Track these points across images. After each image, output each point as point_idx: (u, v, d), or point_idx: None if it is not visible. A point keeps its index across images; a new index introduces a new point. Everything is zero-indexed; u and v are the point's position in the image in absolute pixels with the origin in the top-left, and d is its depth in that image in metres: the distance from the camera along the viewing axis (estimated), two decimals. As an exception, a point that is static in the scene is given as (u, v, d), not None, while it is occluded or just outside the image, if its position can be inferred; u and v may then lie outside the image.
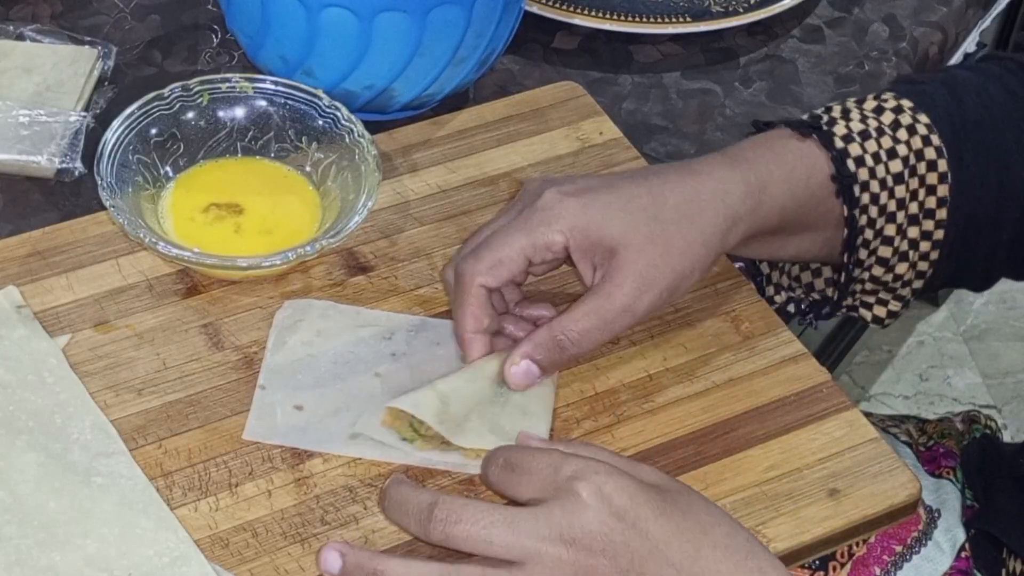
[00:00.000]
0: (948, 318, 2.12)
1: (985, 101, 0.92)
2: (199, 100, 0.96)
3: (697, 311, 0.92)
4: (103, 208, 0.92)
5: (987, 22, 1.32)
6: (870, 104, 0.91)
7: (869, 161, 0.88)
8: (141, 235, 0.88)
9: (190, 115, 0.96)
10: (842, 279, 0.91)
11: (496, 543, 0.74)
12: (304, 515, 0.81)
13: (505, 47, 1.04)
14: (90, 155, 0.94)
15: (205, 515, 0.81)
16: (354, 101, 1.00)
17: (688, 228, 0.84)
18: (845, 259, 0.90)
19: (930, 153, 0.89)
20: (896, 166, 0.88)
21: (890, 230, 0.89)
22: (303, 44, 0.98)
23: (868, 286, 0.92)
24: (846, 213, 0.88)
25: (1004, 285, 2.27)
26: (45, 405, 0.84)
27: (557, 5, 1.13)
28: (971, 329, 2.11)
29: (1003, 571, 0.97)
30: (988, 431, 1.07)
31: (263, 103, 0.97)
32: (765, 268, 0.96)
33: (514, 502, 0.78)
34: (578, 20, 1.13)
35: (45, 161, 0.99)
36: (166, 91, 0.96)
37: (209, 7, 1.14)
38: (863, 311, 0.94)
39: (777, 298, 0.96)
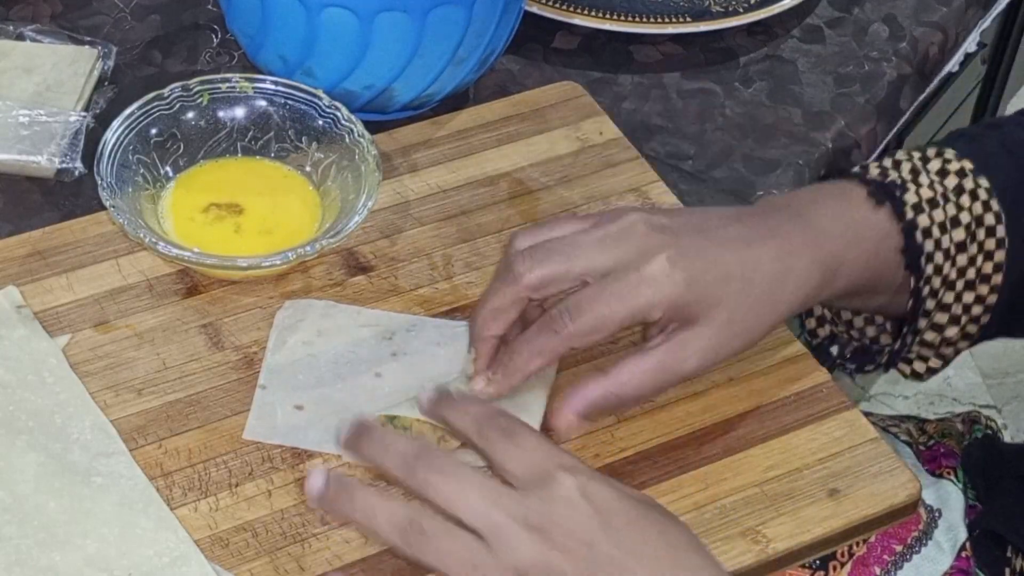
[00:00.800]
0: (948, 318, 2.12)
1: None
2: (199, 100, 0.96)
3: (697, 311, 0.92)
4: (103, 208, 0.92)
5: (987, 22, 1.32)
6: (934, 164, 0.90)
7: (936, 232, 0.88)
8: (141, 235, 0.88)
9: (190, 115, 0.96)
10: (897, 346, 0.91)
11: (469, 506, 0.74)
12: (304, 515, 0.81)
13: (505, 47, 1.04)
14: (90, 155, 0.94)
15: (205, 515, 0.81)
16: (354, 101, 1.00)
17: (767, 311, 0.83)
18: (905, 330, 0.90)
19: (989, 219, 0.89)
20: (959, 234, 0.88)
21: (948, 298, 0.89)
22: (303, 44, 0.98)
23: (915, 348, 0.92)
24: (912, 285, 0.88)
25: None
26: (45, 405, 0.84)
27: (557, 5, 1.13)
28: (971, 329, 2.11)
29: (1007, 569, 0.97)
30: (989, 431, 1.07)
31: (263, 103, 0.97)
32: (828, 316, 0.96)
33: (492, 469, 0.77)
34: (578, 20, 1.13)
35: (45, 161, 0.99)
36: (166, 91, 0.96)
37: (209, 7, 1.14)
38: (902, 366, 0.93)
39: (820, 331, 0.95)
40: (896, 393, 2.03)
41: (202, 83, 0.96)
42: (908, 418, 1.10)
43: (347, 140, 0.95)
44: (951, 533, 0.98)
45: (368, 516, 0.76)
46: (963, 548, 0.98)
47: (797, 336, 0.92)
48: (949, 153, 0.91)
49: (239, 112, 0.97)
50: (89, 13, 1.13)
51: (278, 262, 0.89)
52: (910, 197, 0.88)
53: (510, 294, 0.83)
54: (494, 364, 0.83)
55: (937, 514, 0.99)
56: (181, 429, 0.84)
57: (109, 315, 0.90)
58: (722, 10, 1.15)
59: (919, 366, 0.93)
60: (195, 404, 0.86)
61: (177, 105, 0.96)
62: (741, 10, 1.15)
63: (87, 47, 1.07)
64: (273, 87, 0.97)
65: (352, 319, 0.89)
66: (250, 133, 0.97)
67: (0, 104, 1.02)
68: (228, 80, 0.97)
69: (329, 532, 0.80)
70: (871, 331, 0.95)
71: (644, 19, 1.13)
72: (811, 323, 0.96)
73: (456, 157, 1.01)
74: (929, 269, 0.88)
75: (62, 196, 0.99)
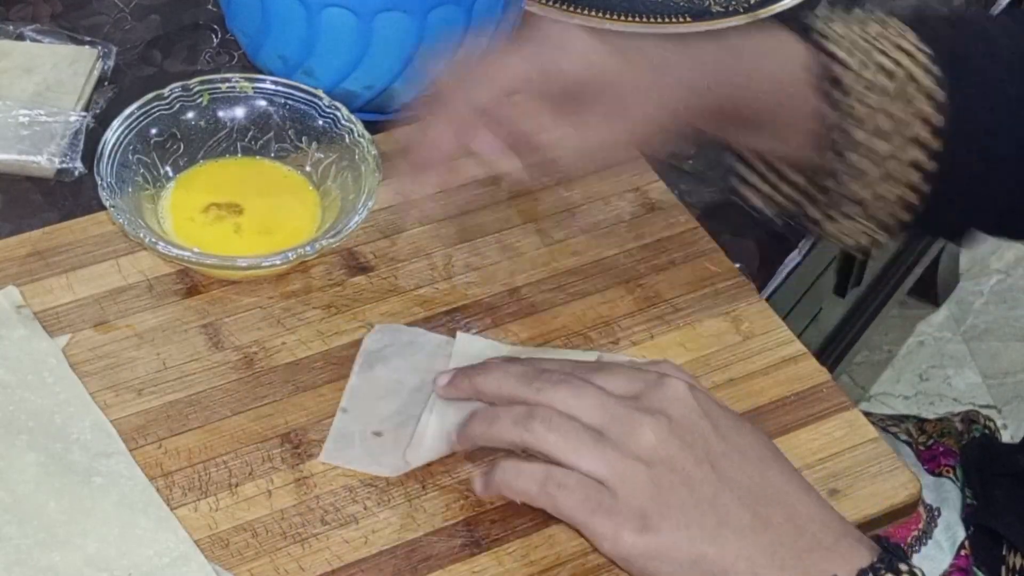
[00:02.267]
0: (948, 318, 2.12)
1: (986, 40, 0.91)
2: (199, 100, 0.96)
3: (697, 311, 0.92)
4: (103, 208, 0.92)
5: (987, 22, 1.32)
6: (873, 28, 0.89)
7: (855, 65, 0.87)
8: (141, 235, 0.88)
9: (190, 115, 0.96)
10: (811, 182, 0.90)
11: (589, 404, 0.78)
12: (304, 515, 0.81)
13: (505, 47, 1.04)
14: (90, 155, 0.94)
15: (205, 515, 0.81)
16: (354, 101, 1.00)
17: (658, 94, 0.84)
18: (819, 160, 0.89)
19: (928, 82, 0.87)
20: (883, 80, 0.87)
21: (878, 145, 0.88)
22: (303, 44, 0.98)
23: (843, 197, 0.90)
24: (826, 114, 0.87)
25: (1004, 284, 2.26)
26: (45, 405, 0.84)
27: (557, 5, 1.13)
28: (971, 329, 2.11)
29: (1003, 567, 0.97)
30: (987, 431, 1.07)
31: (263, 103, 0.97)
32: (743, 170, 0.95)
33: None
34: (578, 20, 1.13)
35: (45, 161, 1.00)
36: (166, 91, 0.96)
37: (209, 7, 1.14)
38: (845, 238, 0.92)
39: (762, 191, 0.94)
40: (896, 393, 2.04)
41: (202, 83, 0.96)
42: (908, 417, 1.10)
43: (347, 140, 0.95)
44: (950, 532, 0.99)
45: (488, 426, 0.80)
46: (962, 547, 0.98)
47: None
48: (892, 20, 0.90)
49: (239, 112, 0.97)
50: (89, 13, 1.13)
51: (278, 262, 0.89)
52: (832, 34, 0.88)
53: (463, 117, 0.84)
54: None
55: (936, 513, 0.99)
56: (181, 429, 0.84)
57: (109, 315, 0.90)
58: (722, 10, 1.15)
59: (863, 238, 0.92)
60: (195, 404, 0.86)
61: (177, 105, 0.96)
62: (741, 10, 1.15)
63: (87, 47, 1.07)
64: (273, 87, 0.97)
65: (440, 348, 0.89)
66: (250, 133, 0.97)
67: (0, 104, 1.02)
68: (228, 80, 0.97)
69: (329, 532, 0.80)
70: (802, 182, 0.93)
71: (644, 19, 1.13)
72: (746, 188, 0.94)
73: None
74: (847, 105, 0.87)
75: (62, 196, 0.99)
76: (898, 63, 0.88)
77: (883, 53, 0.88)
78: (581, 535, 0.78)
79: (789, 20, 0.89)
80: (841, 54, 0.87)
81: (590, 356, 0.87)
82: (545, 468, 0.77)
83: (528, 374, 0.80)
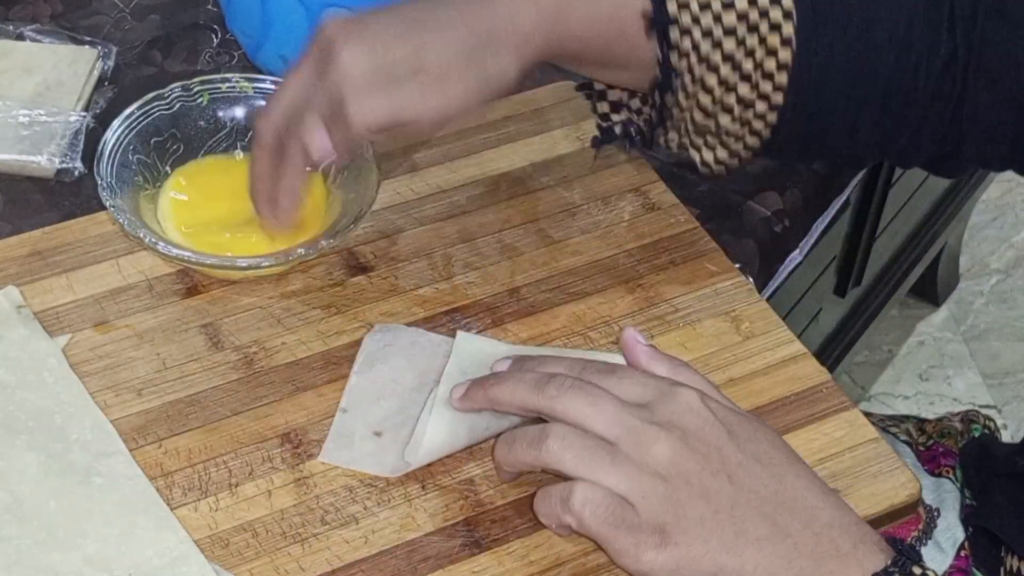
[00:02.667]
0: (948, 318, 2.12)
1: None
2: (199, 100, 0.96)
3: (697, 311, 0.92)
4: (103, 208, 0.92)
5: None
6: None
7: (695, 8, 0.86)
8: (141, 235, 0.88)
9: (190, 115, 0.96)
10: (653, 115, 0.90)
11: (603, 415, 0.77)
12: (304, 515, 0.81)
13: (505, 47, 1.04)
14: (90, 155, 0.94)
15: (205, 515, 0.81)
16: (354, 101, 1.00)
17: (480, 62, 0.83)
18: (656, 98, 0.89)
19: (776, 14, 0.87)
20: (730, 18, 0.86)
21: (711, 80, 0.87)
22: (303, 44, 0.98)
23: (691, 127, 0.90)
24: (660, 56, 0.87)
25: (1004, 285, 2.27)
26: (45, 405, 0.84)
27: (557, 5, 1.13)
28: (971, 329, 2.11)
29: (1001, 569, 0.97)
30: (987, 431, 1.07)
31: (263, 103, 0.97)
32: (600, 85, 0.94)
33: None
34: (578, 20, 1.13)
35: (45, 161, 1.00)
36: (166, 91, 0.96)
37: (209, 7, 1.14)
38: (692, 152, 0.92)
39: (615, 116, 0.94)
40: (896, 393, 2.04)
41: (202, 83, 0.96)
42: (907, 418, 1.10)
43: (347, 140, 0.95)
44: (950, 532, 0.98)
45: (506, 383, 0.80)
46: (962, 547, 0.98)
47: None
48: None
49: (239, 112, 0.97)
50: (89, 13, 1.13)
51: (278, 262, 0.89)
52: None
53: (259, 150, 0.87)
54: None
55: (936, 513, 0.99)
56: (181, 429, 0.84)
57: (109, 315, 0.90)
58: (722, 10, 1.15)
59: (707, 155, 0.91)
60: (195, 404, 0.86)
61: (177, 105, 0.96)
62: (741, 10, 1.15)
63: (87, 47, 1.07)
64: (273, 87, 0.97)
65: (440, 347, 0.89)
66: (250, 133, 0.97)
67: (0, 104, 1.02)
68: (228, 80, 0.97)
69: (329, 532, 0.80)
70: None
71: (644, 19, 1.13)
72: (604, 107, 0.94)
73: (456, 157, 1.01)
74: (686, 44, 0.86)
75: (62, 196, 0.99)
76: (753, 2, 0.86)
77: None
78: (601, 549, 0.78)
79: None
80: (694, 8, 0.86)
81: (600, 356, 0.87)
82: (569, 487, 0.77)
83: (540, 381, 0.79)
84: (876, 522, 0.84)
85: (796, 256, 1.05)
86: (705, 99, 0.88)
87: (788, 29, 0.87)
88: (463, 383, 0.82)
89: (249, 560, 0.79)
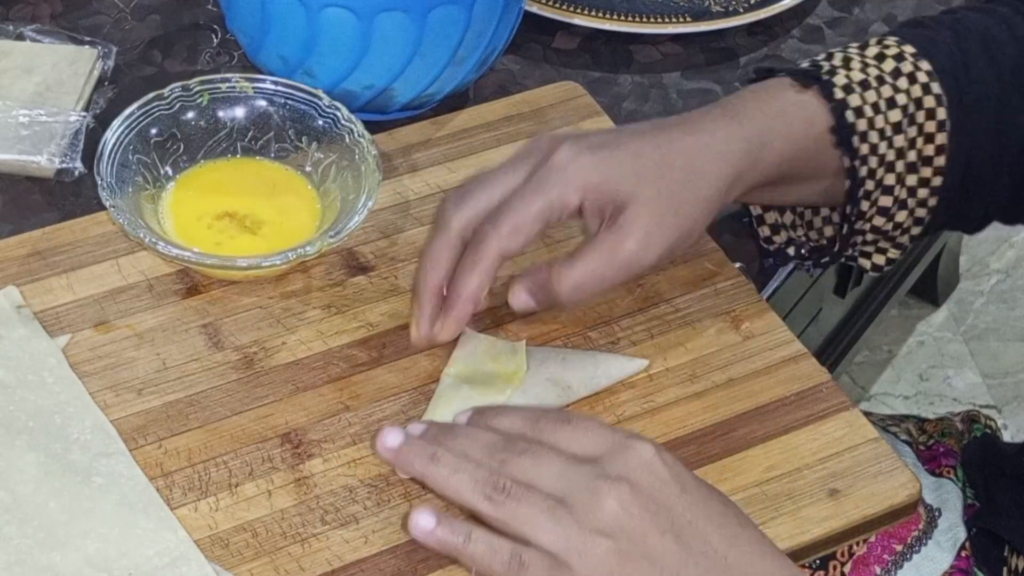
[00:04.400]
0: (948, 318, 2.12)
1: (990, 46, 0.91)
2: (199, 100, 0.96)
3: (697, 311, 0.92)
4: (103, 208, 0.92)
5: (987, 22, 1.32)
6: (872, 51, 0.90)
7: (868, 111, 0.88)
8: (141, 235, 0.88)
9: (190, 115, 0.96)
10: (844, 231, 0.91)
11: (551, 473, 0.75)
12: (304, 515, 0.81)
13: (505, 47, 1.04)
14: (90, 155, 0.94)
15: (205, 515, 0.81)
16: (354, 101, 1.00)
17: (694, 187, 0.84)
18: (848, 211, 0.90)
19: (929, 101, 0.88)
20: (895, 115, 0.88)
21: (890, 179, 0.89)
22: (303, 44, 0.98)
23: (869, 236, 0.91)
24: (847, 164, 0.88)
25: (1004, 285, 2.27)
26: (45, 405, 0.84)
27: (557, 5, 1.13)
28: (971, 329, 2.11)
29: (1004, 569, 0.97)
30: (988, 431, 1.07)
31: (263, 103, 0.97)
32: (757, 209, 0.95)
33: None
34: (578, 20, 1.13)
35: (45, 161, 1.00)
36: (166, 91, 0.96)
37: (209, 7, 1.14)
38: (862, 260, 0.93)
39: (776, 238, 0.95)
40: (896, 393, 2.04)
41: (202, 83, 0.96)
42: (908, 417, 1.10)
43: (347, 140, 0.95)
44: (951, 532, 0.98)
45: (449, 472, 0.77)
46: (963, 547, 0.98)
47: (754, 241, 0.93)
48: (890, 40, 0.91)
49: (239, 112, 0.97)
50: (89, 13, 1.13)
51: (278, 262, 0.89)
52: (839, 79, 0.88)
53: (443, 241, 0.84)
54: (444, 305, 0.84)
55: (937, 513, 0.99)
56: (181, 429, 0.84)
57: (109, 315, 0.90)
58: (722, 10, 1.15)
59: (878, 259, 0.93)
60: (195, 404, 0.86)
61: (177, 105, 0.96)
62: (741, 10, 1.15)
63: (87, 47, 1.07)
64: (273, 87, 0.97)
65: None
66: (250, 133, 0.97)
67: (0, 104, 1.02)
68: (228, 80, 0.97)
69: (329, 532, 0.80)
70: (828, 231, 0.94)
71: (644, 19, 1.13)
72: (765, 231, 0.95)
73: (456, 157, 1.01)
74: (864, 149, 0.88)
75: (62, 196, 0.99)
76: (901, 90, 0.88)
77: (888, 84, 0.88)
78: None
79: (797, 72, 0.90)
80: (853, 100, 0.88)
81: (600, 356, 0.87)
82: (511, 547, 0.74)
83: (495, 445, 0.77)
84: (876, 522, 0.84)
85: (796, 256, 1.05)
86: (886, 200, 0.89)
87: (942, 113, 0.89)
88: (422, 423, 0.81)
89: (249, 560, 0.79)
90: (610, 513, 0.74)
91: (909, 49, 0.90)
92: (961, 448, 1.04)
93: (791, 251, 0.95)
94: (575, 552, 0.73)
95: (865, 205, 0.89)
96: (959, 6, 0.97)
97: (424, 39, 0.97)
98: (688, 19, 1.14)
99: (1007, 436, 1.96)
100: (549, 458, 0.76)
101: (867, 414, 0.90)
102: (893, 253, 0.93)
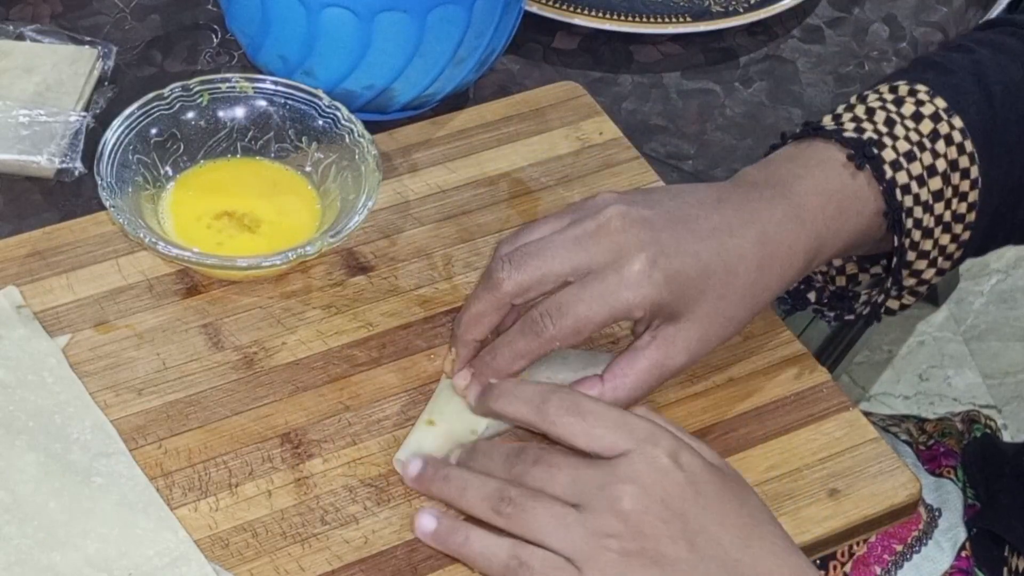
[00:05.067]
0: (948, 318, 2.12)
1: (1010, 88, 0.91)
2: (199, 100, 0.96)
3: (697, 311, 0.92)
4: (103, 208, 0.92)
5: (987, 22, 1.32)
6: (908, 108, 0.89)
7: (915, 187, 0.88)
8: (141, 235, 0.88)
9: (190, 115, 0.96)
10: (880, 299, 0.90)
11: (560, 481, 0.76)
12: (304, 515, 0.81)
13: (505, 47, 1.04)
14: (90, 155, 0.94)
15: (205, 515, 0.81)
16: (354, 101, 1.00)
17: (752, 298, 0.84)
18: (889, 284, 0.89)
19: (964, 162, 0.89)
20: (936, 183, 0.88)
21: (927, 245, 0.89)
22: (303, 44, 0.98)
23: (893, 292, 0.92)
24: (896, 243, 0.88)
25: (1004, 285, 2.26)
26: (45, 405, 0.84)
27: (557, 5, 1.13)
28: (971, 329, 2.11)
29: (1005, 569, 0.97)
30: (988, 431, 1.07)
31: (263, 103, 0.97)
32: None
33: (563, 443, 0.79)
34: (578, 20, 1.13)
35: (45, 161, 0.99)
36: (166, 91, 0.96)
37: (209, 7, 1.14)
38: (890, 302, 0.93)
39: (802, 286, 0.95)
40: (896, 393, 2.04)
41: (202, 83, 0.96)
42: (908, 417, 1.10)
43: (347, 140, 0.95)
44: (951, 532, 0.98)
45: (460, 490, 0.78)
46: (963, 547, 0.98)
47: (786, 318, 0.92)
48: (922, 91, 0.90)
49: (239, 112, 0.97)
50: (89, 13, 1.13)
51: (278, 262, 0.89)
52: (888, 154, 0.87)
53: (492, 301, 0.83)
54: (476, 362, 0.84)
55: (937, 513, 0.99)
56: (181, 429, 0.84)
57: (109, 315, 0.90)
58: (722, 10, 1.15)
59: (893, 304, 0.92)
60: (195, 404, 0.86)
61: (177, 105, 0.96)
62: (741, 10, 1.15)
63: (87, 47, 1.07)
64: (273, 87, 0.97)
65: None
66: (250, 133, 0.97)
67: (0, 104, 1.02)
68: (228, 80, 0.97)
69: (329, 532, 0.80)
70: (841, 280, 0.94)
71: (644, 19, 1.13)
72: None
73: (456, 157, 1.01)
74: (909, 223, 0.88)
75: (62, 196, 0.99)
76: (940, 154, 0.88)
77: (928, 150, 0.88)
78: None
79: (847, 141, 0.88)
80: (901, 177, 0.87)
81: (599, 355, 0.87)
82: (512, 547, 0.75)
83: (507, 456, 0.78)
84: (876, 522, 0.84)
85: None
86: (920, 264, 0.89)
87: (975, 171, 0.89)
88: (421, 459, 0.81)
89: (249, 560, 0.79)
90: (621, 517, 0.74)
91: (941, 103, 0.89)
92: (961, 448, 1.04)
93: (811, 296, 0.94)
94: (583, 556, 0.74)
95: (904, 274, 0.89)
96: (966, 36, 0.97)
97: (424, 39, 0.97)
98: (688, 19, 1.14)
99: (1007, 436, 1.96)
100: (559, 464, 0.76)
101: (867, 414, 0.90)
102: (908, 300, 0.92)
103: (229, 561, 0.79)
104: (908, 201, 0.87)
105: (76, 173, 1.00)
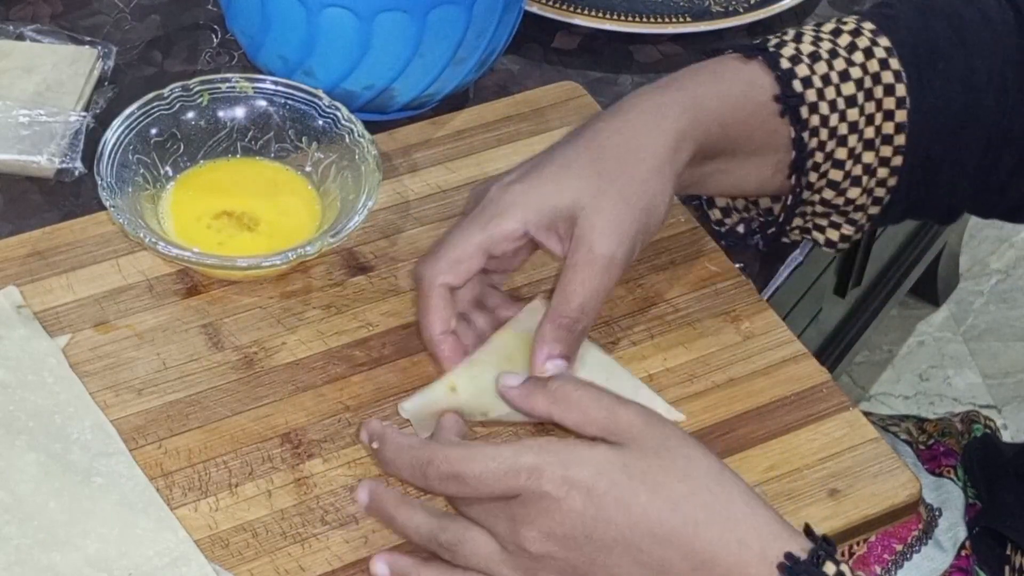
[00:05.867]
0: (948, 318, 2.12)
1: (956, 24, 0.91)
2: (199, 100, 0.96)
3: (697, 311, 0.92)
4: (103, 208, 0.92)
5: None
6: (828, 27, 0.89)
7: (818, 83, 0.87)
8: (141, 235, 0.88)
9: (190, 115, 0.96)
10: (789, 200, 0.90)
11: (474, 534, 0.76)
12: (304, 515, 0.81)
13: (505, 47, 1.04)
14: (90, 155, 0.94)
15: (205, 515, 0.81)
16: (354, 101, 1.00)
17: (633, 167, 0.83)
18: (793, 181, 0.89)
19: (887, 77, 0.88)
20: (848, 88, 0.87)
21: (841, 153, 0.88)
22: (303, 44, 0.98)
23: (819, 208, 0.91)
24: (793, 134, 0.87)
25: (1004, 285, 2.26)
26: (45, 405, 0.84)
27: (557, 5, 1.13)
28: (971, 329, 2.11)
29: (1007, 567, 0.97)
30: (988, 431, 1.07)
31: (263, 103, 0.97)
32: (703, 197, 0.95)
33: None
34: (578, 20, 1.13)
35: (45, 161, 1.00)
36: (166, 91, 0.96)
37: (209, 7, 1.14)
38: (816, 233, 0.93)
39: (728, 220, 0.95)
40: (896, 393, 2.04)
41: (202, 83, 0.96)
42: (908, 417, 1.10)
43: (347, 140, 0.95)
44: (951, 532, 0.98)
45: (403, 528, 0.78)
46: (963, 547, 0.98)
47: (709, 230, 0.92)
48: (849, 18, 0.90)
49: (239, 112, 0.97)
50: (89, 13, 1.13)
51: (278, 262, 0.89)
52: (786, 51, 0.88)
53: (423, 298, 0.84)
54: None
55: (937, 513, 0.99)
56: (181, 429, 0.84)
57: (109, 315, 0.90)
58: (722, 10, 1.15)
59: (832, 234, 0.92)
60: (195, 404, 0.86)
61: (177, 105, 0.96)
62: (741, 10, 1.15)
63: (87, 47, 1.07)
64: (273, 87, 0.97)
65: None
66: (250, 133, 0.97)
67: (0, 104, 1.02)
68: (228, 80, 0.97)
69: (329, 532, 0.80)
70: (777, 208, 0.93)
71: (644, 19, 1.13)
72: (716, 213, 0.95)
73: (456, 157, 1.01)
74: (814, 120, 0.87)
75: (62, 196, 0.99)
76: (856, 63, 0.88)
77: (842, 56, 0.88)
78: None
79: (742, 47, 0.89)
80: (800, 70, 0.87)
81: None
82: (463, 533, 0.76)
83: (430, 532, 0.78)
84: (876, 522, 0.84)
85: (796, 256, 1.05)
86: (836, 174, 0.89)
87: (901, 90, 0.88)
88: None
89: (249, 560, 0.79)
90: (535, 559, 0.74)
91: (868, 25, 0.89)
92: (962, 448, 1.05)
93: (741, 228, 0.94)
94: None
95: (813, 176, 0.88)
96: None
97: (424, 39, 0.97)
98: (688, 19, 1.14)
99: (1007, 436, 1.96)
100: (473, 520, 0.76)
101: (867, 414, 0.90)
102: (847, 229, 0.92)
103: (229, 561, 0.79)
104: (811, 96, 0.87)
105: (76, 173, 1.00)
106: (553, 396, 0.78)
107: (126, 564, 0.78)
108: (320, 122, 0.96)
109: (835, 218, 0.91)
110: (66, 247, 0.93)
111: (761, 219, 0.94)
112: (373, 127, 0.98)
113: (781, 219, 0.92)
